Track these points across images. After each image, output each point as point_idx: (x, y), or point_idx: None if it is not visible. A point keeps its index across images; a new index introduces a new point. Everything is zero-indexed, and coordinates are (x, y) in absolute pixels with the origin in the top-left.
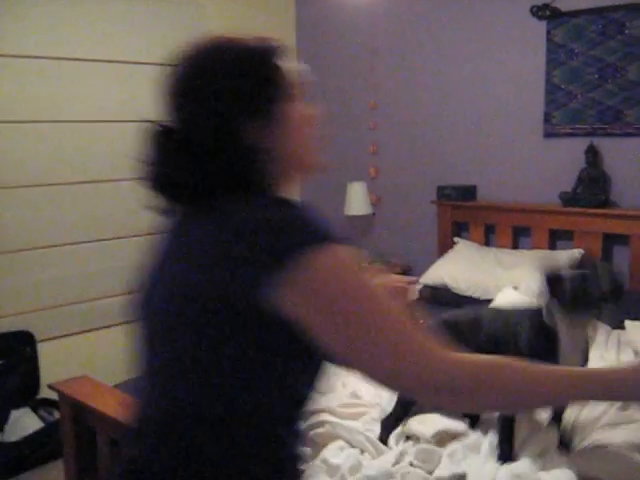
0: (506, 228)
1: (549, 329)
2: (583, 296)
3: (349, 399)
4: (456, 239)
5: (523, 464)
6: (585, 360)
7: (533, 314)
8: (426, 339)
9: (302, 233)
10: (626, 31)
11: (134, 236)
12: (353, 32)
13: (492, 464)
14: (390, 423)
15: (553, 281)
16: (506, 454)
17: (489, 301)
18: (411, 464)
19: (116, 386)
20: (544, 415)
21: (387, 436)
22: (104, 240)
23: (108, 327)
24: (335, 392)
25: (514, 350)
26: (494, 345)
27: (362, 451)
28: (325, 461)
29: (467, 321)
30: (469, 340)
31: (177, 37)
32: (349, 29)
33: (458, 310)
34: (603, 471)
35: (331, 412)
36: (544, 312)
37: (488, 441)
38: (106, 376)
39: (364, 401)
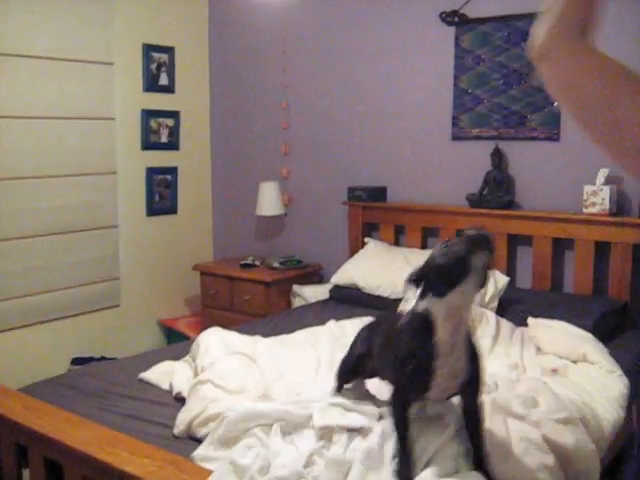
0: (415, 228)
1: (426, 329)
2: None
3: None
4: (366, 239)
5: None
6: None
7: (412, 319)
8: None
9: None
10: (530, 39)
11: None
12: (265, 33)
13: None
14: (344, 371)
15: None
16: (403, 474)
17: (398, 300)
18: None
19: (21, 390)
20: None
21: (341, 386)
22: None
23: (4, 331)
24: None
25: (393, 361)
26: (385, 347)
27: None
28: (233, 462)
29: (380, 323)
30: (377, 341)
31: (85, 32)
32: (261, 30)
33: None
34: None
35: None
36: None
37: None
38: (8, 380)
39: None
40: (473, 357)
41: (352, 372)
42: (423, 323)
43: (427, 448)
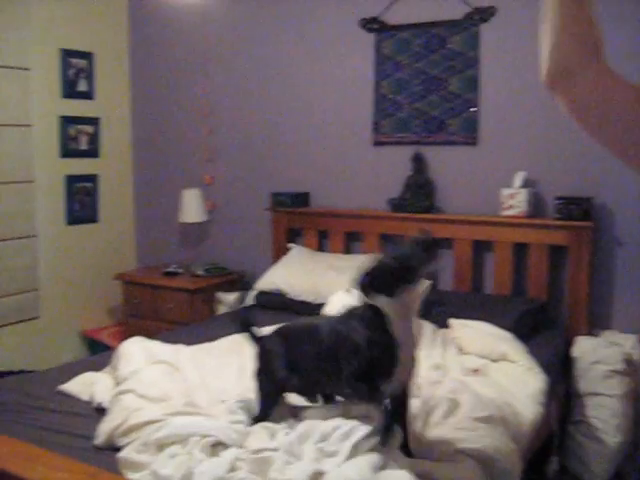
0: (338, 233)
1: (382, 322)
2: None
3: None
4: (290, 245)
5: (355, 466)
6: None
7: (365, 314)
8: None
9: None
10: (447, 45)
11: None
12: (187, 38)
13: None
14: (270, 402)
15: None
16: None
17: (322, 305)
18: None
19: None
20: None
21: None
22: None
23: None
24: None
25: (354, 357)
26: (334, 357)
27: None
28: (154, 473)
29: (305, 331)
30: (309, 351)
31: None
32: (183, 35)
33: (296, 320)
34: (439, 471)
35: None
36: (371, 307)
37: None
38: None
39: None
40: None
41: (277, 398)
42: (379, 317)
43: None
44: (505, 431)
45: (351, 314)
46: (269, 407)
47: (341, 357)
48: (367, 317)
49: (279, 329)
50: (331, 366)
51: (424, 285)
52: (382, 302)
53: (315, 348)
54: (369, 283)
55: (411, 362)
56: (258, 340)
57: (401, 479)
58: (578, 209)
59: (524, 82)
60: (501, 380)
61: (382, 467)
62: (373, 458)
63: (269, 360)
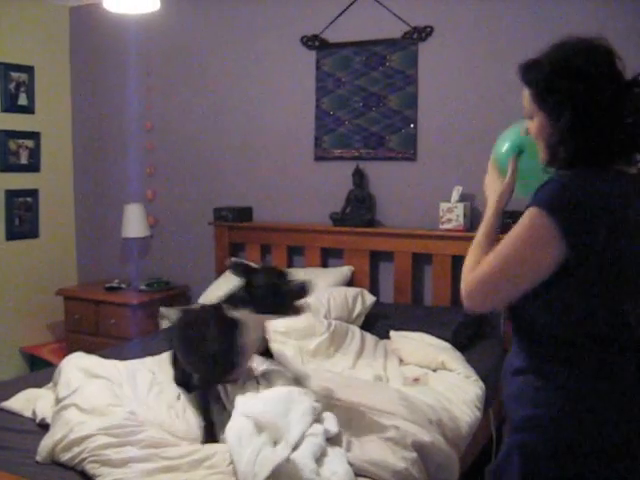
0: (281, 247)
1: (233, 320)
2: (272, 294)
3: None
4: (233, 259)
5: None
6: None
7: (217, 310)
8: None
9: None
10: (387, 63)
11: None
12: (129, 53)
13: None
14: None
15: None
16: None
17: None
18: None
19: None
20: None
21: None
22: None
23: None
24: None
25: (203, 347)
26: (187, 348)
27: None
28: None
29: (183, 323)
30: (173, 346)
31: None
32: (125, 50)
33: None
34: (375, 464)
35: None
36: (226, 306)
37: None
38: None
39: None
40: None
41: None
42: (234, 327)
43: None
44: (439, 433)
45: (205, 319)
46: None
47: (193, 344)
48: (226, 326)
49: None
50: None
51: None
52: (243, 315)
53: (171, 344)
54: (239, 299)
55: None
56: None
57: (341, 468)
58: (514, 222)
59: (461, 99)
60: (440, 388)
61: (322, 456)
62: (314, 447)
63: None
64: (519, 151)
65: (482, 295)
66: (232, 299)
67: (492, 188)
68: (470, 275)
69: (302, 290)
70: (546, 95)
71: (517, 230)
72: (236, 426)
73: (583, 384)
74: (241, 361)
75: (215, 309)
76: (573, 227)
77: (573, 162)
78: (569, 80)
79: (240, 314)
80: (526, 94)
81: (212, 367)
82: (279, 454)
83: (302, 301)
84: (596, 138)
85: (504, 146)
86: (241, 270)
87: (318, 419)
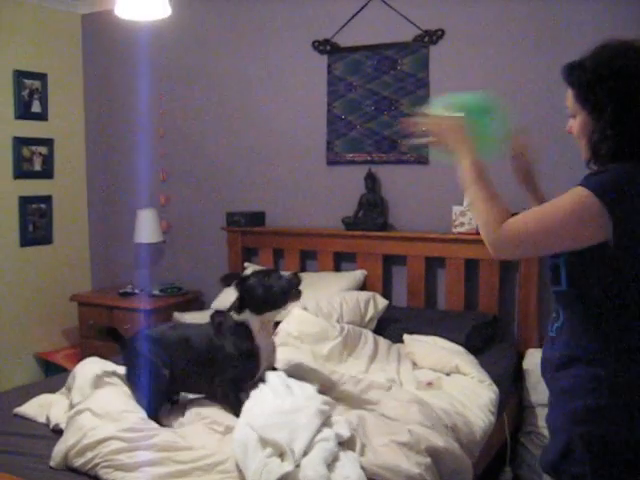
0: (294, 252)
1: (241, 324)
2: (266, 292)
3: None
4: (246, 264)
5: (310, 463)
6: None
7: (235, 328)
8: None
9: None
10: (398, 67)
11: None
12: (141, 60)
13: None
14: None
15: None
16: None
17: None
18: None
19: None
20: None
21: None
22: None
23: None
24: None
25: (222, 359)
26: (205, 361)
27: None
28: None
29: (175, 339)
30: (179, 357)
31: None
32: (137, 57)
33: (164, 326)
34: (388, 469)
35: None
36: (231, 313)
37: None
38: None
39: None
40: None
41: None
42: (244, 330)
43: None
44: (453, 437)
45: (221, 326)
46: (159, 405)
47: (216, 365)
48: (237, 330)
49: (149, 333)
50: (205, 371)
51: (287, 309)
52: (248, 317)
53: (188, 355)
54: (240, 304)
55: (271, 360)
56: (125, 341)
57: (353, 472)
58: None
59: None
60: (454, 392)
61: (333, 461)
62: (324, 453)
63: (153, 361)
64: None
65: (513, 248)
66: (234, 306)
67: (462, 141)
68: (502, 227)
69: (293, 280)
70: (588, 95)
71: (562, 202)
72: (241, 436)
73: None
74: (259, 361)
75: (223, 317)
76: (620, 212)
77: (615, 158)
78: (610, 80)
79: (245, 317)
80: (569, 94)
81: (237, 369)
82: (285, 468)
83: (296, 290)
84: (637, 134)
85: (479, 104)
86: (232, 280)
87: (328, 423)
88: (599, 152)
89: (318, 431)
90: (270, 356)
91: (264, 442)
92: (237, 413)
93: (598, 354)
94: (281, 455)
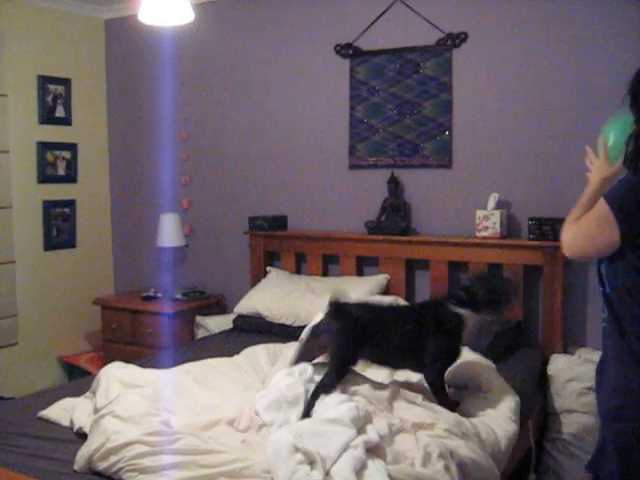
0: (316, 256)
1: (460, 330)
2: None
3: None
4: (269, 268)
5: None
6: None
7: (451, 319)
8: None
9: None
10: (421, 70)
11: None
12: (163, 64)
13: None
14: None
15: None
16: None
17: (303, 327)
18: None
19: None
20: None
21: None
22: None
23: None
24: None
25: (427, 342)
26: (409, 343)
27: None
28: None
29: (387, 315)
30: (380, 340)
31: None
32: (159, 61)
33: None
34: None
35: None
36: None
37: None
38: None
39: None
40: None
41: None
42: (457, 326)
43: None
44: (480, 446)
45: (427, 313)
46: (337, 379)
47: (427, 348)
48: (451, 323)
49: (352, 313)
50: (413, 349)
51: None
52: (464, 312)
53: (399, 331)
54: (465, 296)
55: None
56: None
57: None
58: (551, 229)
59: (496, 106)
60: (475, 402)
61: (361, 469)
62: (353, 461)
63: (337, 349)
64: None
65: (570, 252)
66: (453, 298)
67: (599, 168)
68: (567, 229)
69: (511, 287)
70: (634, 102)
71: (592, 211)
72: (276, 440)
73: None
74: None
75: (438, 306)
76: (625, 219)
77: None
78: None
79: (463, 312)
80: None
81: (443, 358)
82: (313, 477)
83: (511, 298)
84: None
85: (618, 135)
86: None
87: (362, 430)
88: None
89: (351, 440)
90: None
91: (296, 448)
92: (442, 396)
93: (628, 356)
94: (311, 463)
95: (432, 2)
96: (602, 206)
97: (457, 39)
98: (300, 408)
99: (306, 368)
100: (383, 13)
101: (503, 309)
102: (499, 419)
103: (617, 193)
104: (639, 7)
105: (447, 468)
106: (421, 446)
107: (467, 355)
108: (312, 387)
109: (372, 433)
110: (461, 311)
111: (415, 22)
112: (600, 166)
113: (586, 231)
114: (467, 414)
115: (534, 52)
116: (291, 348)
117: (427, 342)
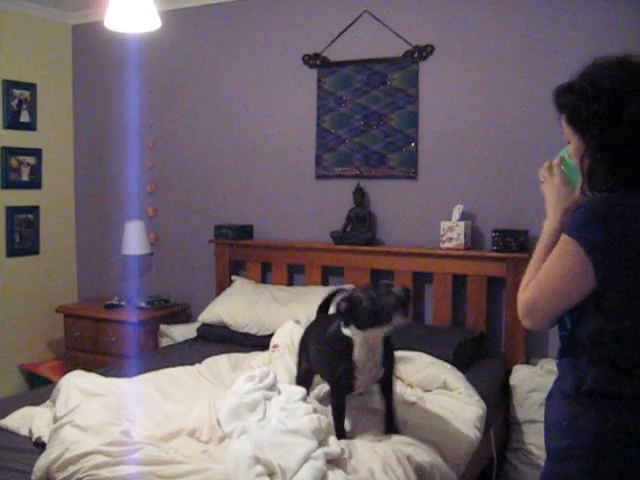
0: (281, 266)
1: (348, 349)
2: (373, 311)
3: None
4: (234, 277)
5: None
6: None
7: (337, 340)
8: None
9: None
10: (388, 82)
11: None
12: (131, 71)
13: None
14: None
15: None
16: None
17: (267, 337)
18: None
19: None
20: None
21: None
22: None
23: None
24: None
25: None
26: (318, 353)
27: None
28: None
29: (309, 332)
30: (311, 353)
31: None
32: (127, 68)
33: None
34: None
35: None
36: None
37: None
38: None
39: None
40: (388, 359)
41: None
42: (346, 347)
43: None
44: (438, 453)
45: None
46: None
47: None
48: (338, 344)
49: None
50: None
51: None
52: (352, 332)
53: (313, 347)
54: (347, 315)
55: (376, 372)
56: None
57: None
58: (514, 241)
59: (461, 118)
60: (439, 409)
61: (323, 478)
62: (314, 472)
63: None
64: None
65: (529, 316)
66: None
67: (557, 194)
68: (521, 295)
69: (402, 296)
70: (575, 118)
71: (552, 257)
72: (236, 450)
73: (622, 414)
74: (357, 375)
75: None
76: (600, 256)
77: (610, 185)
78: (594, 101)
79: (348, 332)
80: (563, 119)
81: (339, 382)
82: None
83: (403, 308)
84: (627, 158)
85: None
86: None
87: (324, 442)
88: (594, 178)
89: (312, 452)
90: (372, 371)
91: (256, 459)
92: (338, 418)
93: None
94: (271, 475)
95: (400, 14)
96: (567, 246)
97: (424, 51)
98: (259, 414)
99: (267, 373)
100: (351, 24)
101: (394, 319)
102: (462, 425)
103: (582, 223)
104: (608, 20)
105: (406, 474)
106: (380, 454)
107: (434, 360)
108: (274, 394)
109: (334, 445)
110: (347, 332)
111: (383, 34)
112: (557, 189)
113: (552, 286)
114: (430, 416)
115: (499, 65)
116: (254, 357)
117: (326, 362)
